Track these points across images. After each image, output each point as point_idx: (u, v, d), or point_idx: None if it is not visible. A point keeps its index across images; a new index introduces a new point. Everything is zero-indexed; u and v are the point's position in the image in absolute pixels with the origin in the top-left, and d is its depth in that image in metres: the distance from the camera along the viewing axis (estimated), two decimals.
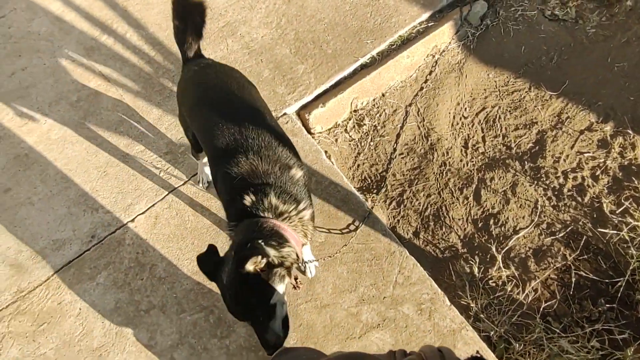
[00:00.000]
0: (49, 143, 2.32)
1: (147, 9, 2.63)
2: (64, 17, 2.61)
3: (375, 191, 2.48)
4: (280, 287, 1.39)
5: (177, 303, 2.00)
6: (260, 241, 1.34)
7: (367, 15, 2.65)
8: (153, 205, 2.19)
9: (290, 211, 1.49)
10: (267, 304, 1.35)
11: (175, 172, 2.25)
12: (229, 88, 1.67)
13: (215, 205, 2.18)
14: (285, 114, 2.41)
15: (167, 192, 2.21)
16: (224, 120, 1.56)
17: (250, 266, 1.28)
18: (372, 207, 2.31)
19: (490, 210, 2.43)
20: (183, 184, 2.23)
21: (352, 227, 2.16)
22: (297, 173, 1.56)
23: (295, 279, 1.93)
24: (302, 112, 2.47)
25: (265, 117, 1.63)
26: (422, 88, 2.68)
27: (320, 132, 2.54)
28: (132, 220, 2.16)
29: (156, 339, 1.93)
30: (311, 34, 2.59)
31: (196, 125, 1.72)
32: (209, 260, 1.38)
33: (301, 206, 1.52)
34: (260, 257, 1.29)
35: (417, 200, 2.48)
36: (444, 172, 2.54)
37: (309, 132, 2.49)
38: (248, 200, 1.44)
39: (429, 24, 2.70)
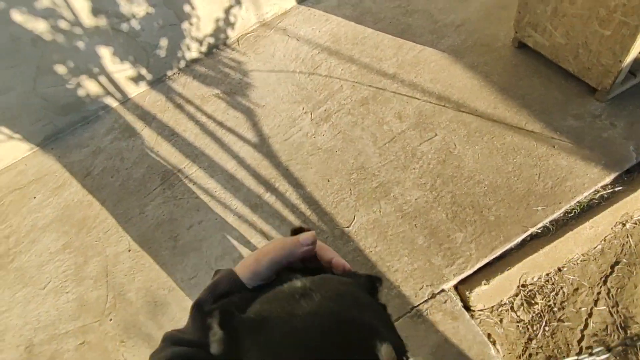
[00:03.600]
0: None
1: (306, 169, 2.83)
2: (235, 174, 2.96)
3: None
4: None
5: None
6: None
7: (535, 177, 2.40)
8: None
9: None
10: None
11: None
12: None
13: None
14: (442, 290, 2.18)
15: None
16: None
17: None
18: None
19: None
20: None
21: None
22: None
23: None
24: (462, 288, 2.21)
25: None
26: (615, 263, 2.22)
27: (481, 310, 2.23)
28: None
29: None
30: (469, 197, 2.42)
31: None
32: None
33: None
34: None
35: None
36: None
37: (467, 309, 2.20)
38: None
39: (616, 188, 2.31)
